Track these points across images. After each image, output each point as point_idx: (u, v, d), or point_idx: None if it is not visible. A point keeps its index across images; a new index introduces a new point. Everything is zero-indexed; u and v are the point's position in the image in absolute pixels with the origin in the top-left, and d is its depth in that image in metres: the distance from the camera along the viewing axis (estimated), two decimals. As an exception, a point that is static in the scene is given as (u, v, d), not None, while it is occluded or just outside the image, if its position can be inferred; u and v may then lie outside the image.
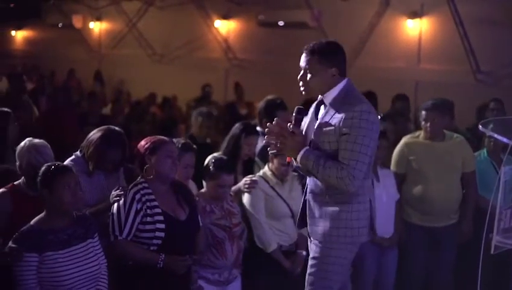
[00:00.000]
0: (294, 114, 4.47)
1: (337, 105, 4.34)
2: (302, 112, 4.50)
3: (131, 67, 17.92)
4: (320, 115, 4.44)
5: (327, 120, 4.32)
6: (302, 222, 4.60)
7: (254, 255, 5.80)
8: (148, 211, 4.68)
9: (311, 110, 4.57)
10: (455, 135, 6.82)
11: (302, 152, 4.33)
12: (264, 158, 6.19)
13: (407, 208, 6.72)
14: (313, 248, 4.45)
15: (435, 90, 10.13)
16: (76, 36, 20.14)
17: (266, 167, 5.97)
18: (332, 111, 4.34)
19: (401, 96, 9.55)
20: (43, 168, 4.45)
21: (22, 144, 4.92)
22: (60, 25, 20.70)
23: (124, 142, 5.30)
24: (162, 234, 4.67)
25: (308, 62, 4.45)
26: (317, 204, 4.42)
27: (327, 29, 13.73)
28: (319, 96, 4.51)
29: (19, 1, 21.56)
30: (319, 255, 4.40)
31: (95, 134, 5.25)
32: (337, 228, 4.33)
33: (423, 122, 6.69)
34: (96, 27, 20.01)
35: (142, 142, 4.87)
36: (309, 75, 4.43)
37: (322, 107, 4.48)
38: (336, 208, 4.35)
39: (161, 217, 4.69)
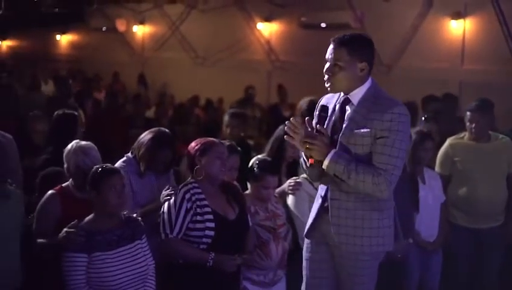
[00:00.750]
0: (318, 112, 4.32)
1: (369, 105, 4.10)
2: (327, 110, 4.29)
3: (174, 70, 18.04)
4: (347, 115, 4.18)
5: (358, 121, 4.10)
6: (313, 231, 4.41)
7: (298, 255, 5.81)
8: (198, 210, 4.73)
9: (332, 108, 4.30)
10: (501, 135, 6.76)
11: (330, 155, 4.07)
12: (309, 160, 6.19)
13: (453, 210, 6.68)
14: (341, 260, 4.28)
15: (479, 90, 10.01)
16: (120, 40, 20.33)
17: (311, 169, 5.97)
18: (363, 111, 4.10)
19: (433, 98, 9.35)
20: (92, 171, 4.53)
21: (69, 146, 5.00)
22: (103, 28, 20.92)
23: (173, 143, 5.42)
24: (212, 233, 4.71)
25: (336, 54, 4.15)
26: (344, 211, 4.19)
27: (369, 30, 13.66)
28: (341, 94, 4.25)
29: (63, 6, 21.88)
30: (353, 268, 4.25)
31: (146, 136, 5.38)
32: (370, 237, 4.17)
33: (468, 124, 6.65)
34: (140, 30, 20.16)
35: (193, 144, 4.94)
36: (337, 69, 4.14)
37: (348, 106, 4.20)
38: (367, 215, 4.16)
39: (211, 216, 4.74)
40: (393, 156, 4.02)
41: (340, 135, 4.15)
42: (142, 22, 20.00)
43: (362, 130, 4.06)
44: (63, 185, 4.96)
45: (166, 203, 4.82)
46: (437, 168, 6.79)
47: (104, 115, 10.25)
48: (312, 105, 7.02)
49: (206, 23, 17.49)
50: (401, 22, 13.52)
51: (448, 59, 13.04)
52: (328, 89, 4.22)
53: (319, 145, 4.10)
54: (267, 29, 16.53)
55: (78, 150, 4.90)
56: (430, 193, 6.42)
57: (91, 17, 21.39)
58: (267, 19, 16.42)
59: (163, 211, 4.81)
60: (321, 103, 4.38)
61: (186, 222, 4.73)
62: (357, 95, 4.16)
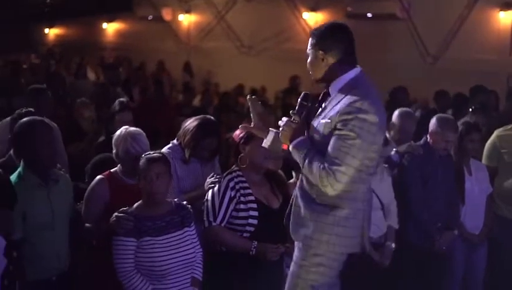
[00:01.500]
0: (299, 99, 4.17)
1: (341, 97, 3.91)
2: (308, 98, 4.13)
3: (219, 59, 18.08)
4: (323, 106, 4.06)
5: (326, 111, 3.95)
6: (288, 221, 4.22)
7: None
8: (242, 199, 4.76)
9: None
10: (549, 127, 6.69)
11: (294, 141, 3.96)
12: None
13: (499, 202, 6.62)
14: (295, 251, 4.12)
15: (528, 82, 9.93)
16: (166, 28, 20.43)
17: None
18: (333, 102, 3.94)
19: (481, 89, 9.09)
20: (140, 158, 4.58)
21: (118, 132, 5.01)
22: (149, 17, 21.01)
23: (218, 131, 5.44)
24: (255, 222, 4.74)
25: (308, 45, 4.08)
26: (304, 202, 4.02)
27: (416, 20, 13.61)
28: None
29: (111, -6, 22.08)
30: (299, 260, 4.06)
31: (191, 123, 5.41)
32: (321, 233, 3.95)
33: (517, 115, 6.60)
34: (186, 19, 20.24)
35: (237, 132, 4.93)
36: (307, 57, 4.06)
37: (328, 97, 4.06)
38: (322, 210, 3.94)
39: (254, 205, 4.77)
40: (343, 152, 3.78)
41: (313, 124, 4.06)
42: (188, 11, 20.07)
43: (323, 120, 3.92)
44: (112, 170, 5.00)
45: (210, 191, 4.86)
46: (484, 159, 6.74)
47: (151, 103, 10.32)
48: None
49: (251, 13, 17.50)
50: (448, 13, 13.40)
51: (496, 50, 12.89)
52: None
53: (285, 130, 4.01)
54: (313, 19, 16.48)
55: (127, 135, 4.91)
56: (477, 185, 6.38)
57: (138, 6, 21.52)
58: (313, 9, 16.39)
59: (207, 199, 4.85)
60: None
61: (229, 210, 4.76)
62: (334, 86, 3.99)
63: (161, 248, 4.46)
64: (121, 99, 6.32)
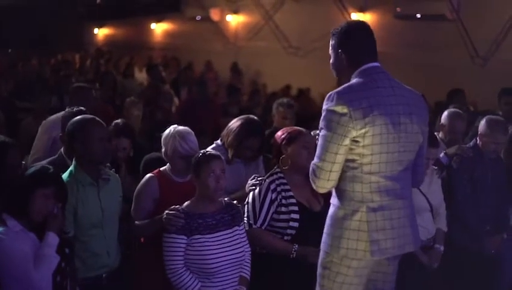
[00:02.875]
0: None
1: None
2: None
3: (266, 59, 18.08)
4: None
5: None
6: None
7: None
8: (283, 201, 4.74)
9: None
10: None
11: None
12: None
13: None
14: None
15: None
16: (214, 29, 20.50)
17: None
18: None
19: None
20: (195, 156, 4.62)
21: (167, 131, 5.03)
22: (198, 17, 21.12)
23: (262, 131, 5.43)
24: (296, 225, 4.72)
25: (330, 46, 4.15)
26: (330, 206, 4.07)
27: (466, 21, 13.44)
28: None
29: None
30: (320, 266, 4.07)
31: (234, 123, 5.42)
32: (334, 237, 3.93)
33: None
34: (234, 20, 20.28)
35: (279, 133, 4.94)
36: (330, 60, 4.13)
37: None
38: (337, 212, 3.96)
39: (296, 208, 4.74)
40: (320, 147, 3.87)
41: None
42: (236, 12, 20.12)
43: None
44: (161, 169, 5.04)
45: (251, 194, 4.86)
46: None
47: (195, 103, 10.35)
48: None
49: (299, 13, 17.47)
50: (498, 14, 13.20)
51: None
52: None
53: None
54: (361, 19, 16.38)
55: (176, 134, 4.93)
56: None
57: (186, 6, 21.65)
58: (361, 9, 16.29)
59: (248, 201, 4.85)
60: None
61: (270, 213, 4.75)
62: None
63: (211, 246, 4.48)
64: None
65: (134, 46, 22.63)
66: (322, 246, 4.03)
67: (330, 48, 4.12)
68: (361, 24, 4.16)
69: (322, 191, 4.02)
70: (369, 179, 3.89)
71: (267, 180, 4.84)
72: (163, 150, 5.03)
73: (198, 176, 4.55)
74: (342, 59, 4.03)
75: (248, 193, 4.92)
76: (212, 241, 4.50)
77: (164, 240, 4.52)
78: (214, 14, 20.25)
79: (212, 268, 4.47)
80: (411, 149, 4.01)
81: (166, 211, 4.53)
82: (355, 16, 16.39)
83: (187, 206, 4.59)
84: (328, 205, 4.88)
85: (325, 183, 3.89)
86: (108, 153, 4.80)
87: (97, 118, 4.82)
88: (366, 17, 16.25)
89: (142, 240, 5.02)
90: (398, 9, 14.92)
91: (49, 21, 24.47)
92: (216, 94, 13.46)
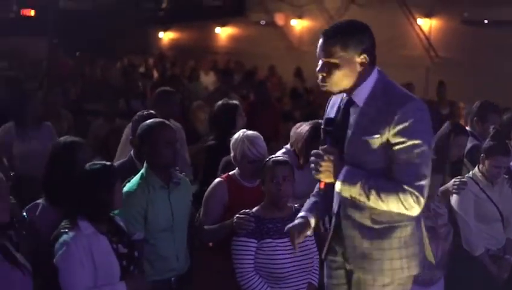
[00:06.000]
0: (323, 126, 3.74)
1: (377, 104, 3.45)
2: (333, 123, 3.66)
3: (330, 64, 18.01)
4: (352, 120, 3.54)
5: (365, 126, 3.46)
6: (329, 253, 3.81)
7: (459, 257, 5.69)
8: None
9: (335, 113, 3.69)
10: None
11: (342, 175, 3.44)
12: (473, 159, 6.05)
13: None
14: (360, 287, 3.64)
15: None
16: (278, 33, 20.53)
17: (476, 168, 5.80)
18: (371, 112, 3.46)
19: None
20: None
21: (236, 135, 5.04)
22: (262, 22, 21.19)
23: None
24: None
25: (328, 49, 3.50)
26: (359, 230, 3.56)
27: (537, 28, 13.23)
28: (343, 94, 3.62)
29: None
30: None
31: (303, 128, 5.41)
32: (391, 260, 3.51)
33: None
34: (298, 25, 20.26)
35: None
36: (332, 67, 3.51)
37: (352, 108, 3.56)
38: (384, 235, 3.51)
39: None
40: (414, 163, 3.34)
41: (346, 145, 3.53)
42: (300, 16, 20.10)
43: (371, 137, 3.42)
44: (230, 173, 5.05)
45: None
46: None
47: (255, 106, 10.31)
48: (483, 105, 6.82)
49: (364, 18, 16.86)
50: None
51: None
52: (324, 90, 3.61)
53: (325, 166, 3.51)
54: (427, 25, 16.23)
55: (245, 139, 4.94)
56: None
57: (251, 11, 21.72)
58: (428, 15, 16.14)
59: None
60: (326, 115, 3.77)
61: None
62: (361, 93, 3.51)
63: (281, 251, 4.48)
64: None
65: (199, 50, 22.75)
66: (377, 275, 3.58)
67: (339, 52, 3.51)
68: (360, 21, 3.69)
69: (419, 212, 3.47)
70: None
71: None
72: (232, 154, 5.04)
73: (262, 181, 4.58)
74: (362, 62, 3.52)
75: None
76: (283, 246, 4.49)
77: (234, 243, 4.54)
78: (279, 19, 20.28)
79: (282, 273, 4.47)
80: None
81: (237, 215, 4.55)
82: (421, 21, 16.24)
83: (257, 210, 4.61)
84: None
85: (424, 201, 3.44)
86: (176, 156, 4.80)
87: (166, 122, 4.84)
88: (433, 23, 16.11)
89: (210, 244, 5.02)
90: (466, 14, 14.74)
91: (114, 25, 24.77)
92: (280, 99, 13.45)
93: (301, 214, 3.85)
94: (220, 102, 6.95)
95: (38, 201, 4.52)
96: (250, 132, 5.04)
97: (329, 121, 3.67)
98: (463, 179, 5.70)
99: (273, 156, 4.71)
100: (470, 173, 5.85)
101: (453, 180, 5.73)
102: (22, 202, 4.51)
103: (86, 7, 25.55)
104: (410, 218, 3.49)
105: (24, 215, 4.29)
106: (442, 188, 5.68)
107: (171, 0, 24.99)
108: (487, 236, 5.75)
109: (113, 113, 8.79)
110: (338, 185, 3.48)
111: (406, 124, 3.35)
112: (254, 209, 4.60)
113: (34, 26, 22.50)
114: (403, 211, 3.39)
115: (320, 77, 3.58)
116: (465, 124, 6.91)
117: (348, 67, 3.50)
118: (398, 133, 3.36)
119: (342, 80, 3.52)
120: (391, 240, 3.51)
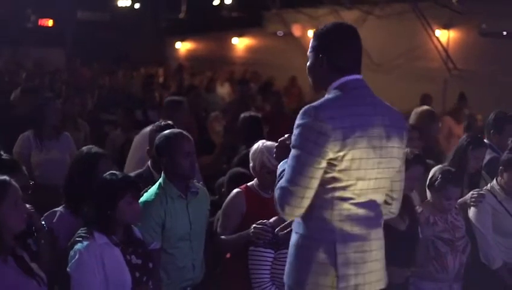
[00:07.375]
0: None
1: None
2: None
3: (347, 75, 18.01)
4: None
5: None
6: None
7: (477, 270, 5.66)
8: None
9: None
10: None
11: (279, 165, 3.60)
12: (491, 172, 6.03)
13: None
14: None
15: None
16: (295, 44, 20.54)
17: (494, 181, 5.78)
18: None
19: None
20: None
21: (255, 146, 5.05)
22: (279, 33, 21.22)
23: None
24: None
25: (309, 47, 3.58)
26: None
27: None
28: None
29: (242, 10, 22.47)
30: None
31: None
32: (300, 271, 3.47)
33: None
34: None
35: None
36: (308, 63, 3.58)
37: None
38: (302, 241, 3.47)
39: None
40: (292, 168, 3.35)
41: None
42: (317, 28, 20.10)
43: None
44: (248, 184, 5.05)
45: None
46: None
47: (272, 117, 10.30)
48: (499, 116, 6.81)
49: (382, 30, 17.35)
50: None
51: None
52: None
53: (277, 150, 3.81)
54: (445, 36, 16.21)
55: (264, 149, 4.94)
56: None
57: (268, 22, 21.78)
58: (446, 26, 16.11)
59: None
60: None
61: None
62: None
63: None
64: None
65: (216, 60, 22.85)
66: (286, 279, 3.60)
67: (310, 49, 3.60)
68: (349, 26, 3.65)
69: (289, 218, 3.54)
70: (341, 205, 3.41)
71: None
72: (251, 165, 5.04)
73: None
74: (322, 64, 3.52)
75: None
76: None
77: (251, 253, 4.55)
78: (296, 30, 20.30)
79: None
80: (388, 176, 3.55)
81: (254, 225, 4.56)
82: (439, 33, 16.21)
83: (274, 221, 4.59)
84: (413, 223, 4.84)
85: (295, 210, 3.38)
86: (194, 167, 4.81)
87: (184, 133, 4.85)
88: (451, 34, 16.07)
89: (228, 255, 5.02)
90: (484, 25, 14.69)
91: (131, 35, 24.95)
92: (297, 111, 13.42)
93: None
94: (246, 113, 6.97)
95: (56, 209, 4.56)
96: (269, 143, 5.02)
97: None
98: (481, 192, 5.69)
99: None
100: (488, 185, 5.83)
101: (471, 192, 5.72)
102: (41, 211, 4.52)
103: (103, 18, 25.75)
104: (330, 236, 3.42)
105: (43, 224, 4.30)
106: (460, 200, 5.65)
107: (189, 11, 25.10)
108: (505, 249, 5.70)
109: (130, 123, 8.82)
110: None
111: (296, 127, 3.41)
112: (272, 220, 4.60)
113: (51, 37, 22.69)
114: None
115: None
116: (484, 136, 6.88)
117: (314, 66, 3.61)
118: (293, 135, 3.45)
119: (311, 80, 3.65)
120: (308, 251, 3.48)
